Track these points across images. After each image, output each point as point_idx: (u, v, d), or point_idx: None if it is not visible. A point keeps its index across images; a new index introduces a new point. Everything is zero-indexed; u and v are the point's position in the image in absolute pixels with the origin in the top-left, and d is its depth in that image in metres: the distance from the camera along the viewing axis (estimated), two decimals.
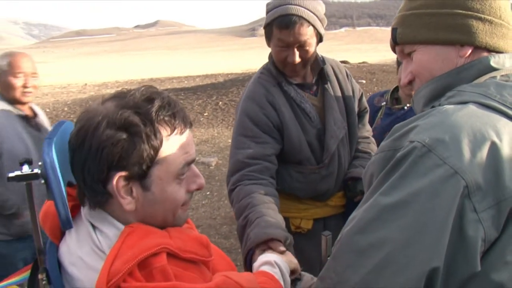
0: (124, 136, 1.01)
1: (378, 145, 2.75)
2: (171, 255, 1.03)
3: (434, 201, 0.95)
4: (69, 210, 1.00)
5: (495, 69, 1.16)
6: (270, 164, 2.16)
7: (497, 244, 0.99)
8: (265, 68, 2.33)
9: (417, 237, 0.96)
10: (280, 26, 2.06)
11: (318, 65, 2.31)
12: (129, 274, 0.95)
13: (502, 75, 1.14)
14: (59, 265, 1.08)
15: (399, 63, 2.83)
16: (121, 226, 1.06)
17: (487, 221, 0.96)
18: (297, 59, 2.13)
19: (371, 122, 2.91)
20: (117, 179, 1.01)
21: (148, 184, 1.06)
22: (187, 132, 1.13)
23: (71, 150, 1.05)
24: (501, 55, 1.17)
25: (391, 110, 2.98)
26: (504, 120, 1.04)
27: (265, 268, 1.38)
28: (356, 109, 2.49)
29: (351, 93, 2.43)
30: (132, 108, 1.04)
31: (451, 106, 1.08)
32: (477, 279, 0.98)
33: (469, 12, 1.18)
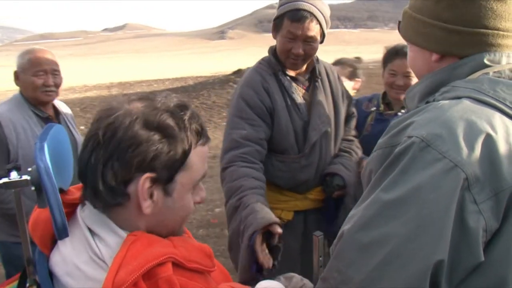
0: (159, 137, 1.00)
1: (369, 152, 2.74)
2: (176, 264, 0.99)
3: (435, 195, 0.96)
4: (65, 218, 0.94)
5: (488, 66, 1.17)
6: (261, 148, 2.32)
7: (500, 236, 1.00)
8: (264, 59, 2.50)
9: (421, 231, 0.96)
10: (292, 19, 2.25)
11: (312, 63, 2.49)
12: (134, 285, 0.90)
13: (494, 72, 1.16)
14: (51, 276, 1.03)
15: (385, 64, 2.86)
16: (124, 234, 1.01)
17: (487, 212, 0.98)
18: (301, 52, 2.31)
19: (360, 128, 2.88)
20: (144, 180, 0.98)
21: (170, 190, 1.04)
22: (207, 145, 1.13)
23: (91, 147, 0.99)
24: (497, 53, 1.18)
25: (383, 115, 2.88)
26: (497, 115, 1.06)
27: None
28: (344, 111, 2.63)
29: (340, 95, 2.60)
30: (167, 112, 1.03)
31: (446, 102, 1.10)
32: (481, 271, 0.99)
33: (436, 22, 1.21)
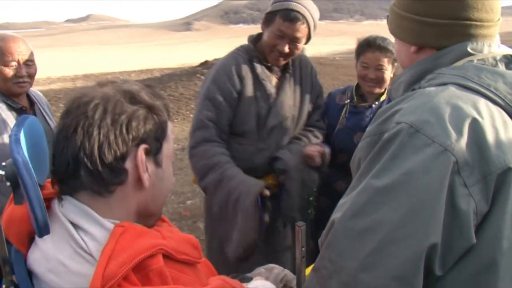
0: (145, 110, 1.03)
1: (344, 147, 2.76)
2: (166, 256, 0.96)
3: (426, 179, 0.98)
4: (47, 214, 0.89)
5: (471, 54, 1.20)
6: (224, 131, 2.53)
7: (489, 218, 1.03)
8: (242, 46, 2.65)
9: (413, 216, 0.97)
10: (284, 18, 2.40)
11: None
12: (124, 278, 0.86)
13: (478, 60, 1.18)
14: (29, 275, 0.98)
15: (357, 56, 2.84)
16: (110, 225, 0.97)
17: (477, 194, 1.00)
18: (286, 50, 2.46)
19: (334, 121, 2.88)
20: (141, 152, 1.01)
21: (160, 160, 1.07)
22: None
23: (81, 131, 0.97)
24: (479, 42, 1.21)
25: (357, 108, 2.86)
26: (483, 100, 1.09)
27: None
28: (310, 103, 2.77)
29: (309, 88, 2.75)
30: (142, 89, 1.07)
31: (432, 88, 1.12)
32: (472, 254, 1.01)
33: (410, 15, 1.26)
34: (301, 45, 2.51)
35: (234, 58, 2.58)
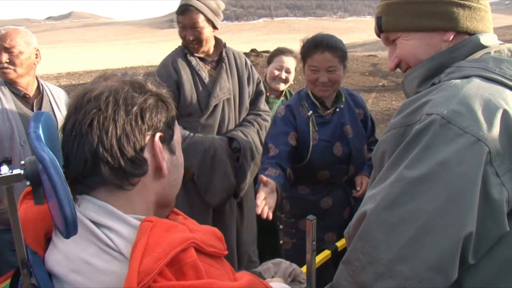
0: (154, 99, 1.03)
1: (324, 163, 2.59)
2: (196, 249, 0.92)
3: (461, 168, 0.98)
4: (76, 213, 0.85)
5: (484, 47, 1.22)
6: None
7: None
8: (180, 46, 3.12)
9: (450, 205, 0.97)
10: (179, 13, 2.93)
11: (220, 48, 3.13)
12: (159, 273, 0.83)
13: (495, 51, 1.20)
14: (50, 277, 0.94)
15: (304, 59, 2.59)
16: (134, 222, 0.94)
17: (509, 183, 1.01)
18: (191, 37, 2.93)
19: (305, 138, 2.58)
20: (158, 140, 1.00)
21: (173, 147, 1.08)
22: None
23: (97, 126, 0.94)
24: (486, 34, 1.25)
25: (323, 117, 2.60)
26: (507, 91, 1.10)
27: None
28: (250, 88, 3.22)
29: (246, 74, 3.19)
30: (145, 79, 1.07)
31: (458, 81, 1.13)
32: (504, 241, 1.02)
33: (457, 0, 1.25)
34: (204, 30, 2.93)
35: (171, 56, 3.07)
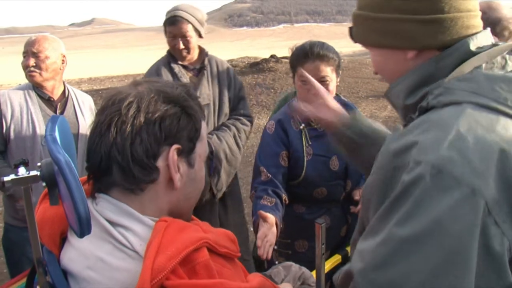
0: (179, 109, 1.03)
1: (320, 180, 2.42)
2: (209, 250, 0.95)
3: (457, 227, 0.89)
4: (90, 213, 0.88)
5: (475, 54, 1.08)
6: None
7: None
8: (165, 54, 3.32)
9: (448, 265, 0.89)
10: (168, 24, 3.14)
11: (202, 57, 3.30)
12: (172, 271, 0.85)
13: (487, 63, 1.07)
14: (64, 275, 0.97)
15: (293, 69, 2.42)
16: (149, 222, 0.96)
17: (508, 230, 0.92)
18: (182, 46, 3.14)
19: (299, 153, 2.44)
20: (173, 151, 1.00)
21: (192, 161, 1.07)
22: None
23: (115, 128, 0.97)
24: (477, 36, 1.11)
25: (317, 130, 2.44)
26: (502, 119, 0.98)
27: None
28: (230, 94, 3.32)
29: (227, 82, 3.32)
30: (177, 87, 1.08)
31: (445, 113, 1.02)
32: None
33: (405, 16, 1.11)
34: (192, 39, 3.15)
35: (156, 64, 3.28)
